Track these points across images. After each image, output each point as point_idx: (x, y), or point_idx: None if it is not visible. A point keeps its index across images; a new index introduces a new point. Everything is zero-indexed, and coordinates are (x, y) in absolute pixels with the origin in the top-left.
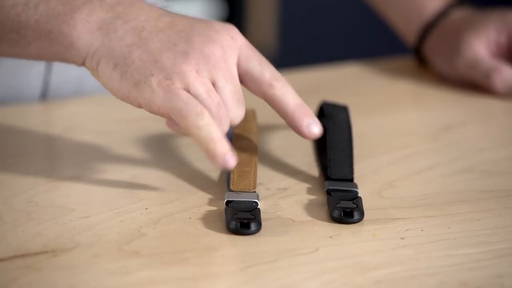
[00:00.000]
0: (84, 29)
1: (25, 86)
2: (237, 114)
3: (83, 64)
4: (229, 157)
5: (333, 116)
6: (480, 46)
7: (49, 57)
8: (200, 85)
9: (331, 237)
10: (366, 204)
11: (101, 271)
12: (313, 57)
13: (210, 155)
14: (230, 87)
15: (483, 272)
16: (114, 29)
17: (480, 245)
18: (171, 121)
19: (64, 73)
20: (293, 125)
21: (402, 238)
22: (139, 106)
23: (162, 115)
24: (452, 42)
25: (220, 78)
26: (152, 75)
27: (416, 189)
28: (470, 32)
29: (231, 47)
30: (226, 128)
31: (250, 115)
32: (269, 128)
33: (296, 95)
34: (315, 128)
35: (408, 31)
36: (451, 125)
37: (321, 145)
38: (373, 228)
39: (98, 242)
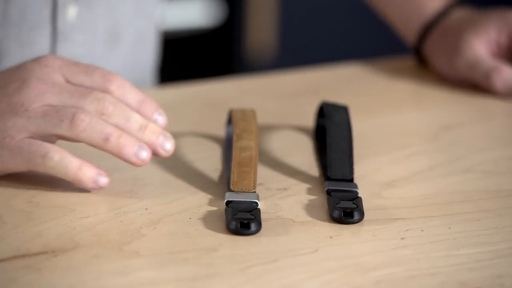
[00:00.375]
0: None
1: None
2: (91, 105)
3: None
4: (97, 178)
5: (333, 116)
6: (481, 46)
7: None
8: (33, 123)
9: (331, 237)
10: (366, 204)
11: (101, 271)
12: (313, 57)
13: (80, 184)
14: (64, 95)
15: (483, 273)
16: None
17: (480, 245)
18: None
19: None
20: None
21: (402, 238)
22: (18, 170)
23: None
24: (452, 42)
25: (50, 99)
26: None
27: (416, 189)
28: (470, 32)
29: (48, 73)
30: (86, 133)
31: (250, 115)
32: (269, 128)
33: (136, 92)
34: (161, 122)
35: (408, 31)
36: (451, 125)
37: (321, 145)
38: (373, 228)
39: (98, 243)
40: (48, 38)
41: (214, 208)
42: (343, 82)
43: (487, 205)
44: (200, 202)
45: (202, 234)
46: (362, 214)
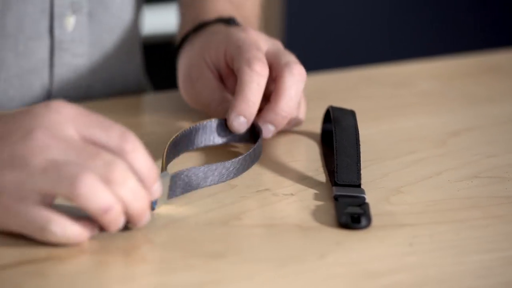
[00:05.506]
0: None
1: (29, 98)
2: (99, 169)
3: None
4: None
5: (340, 121)
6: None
7: None
8: (31, 180)
9: (338, 243)
10: (373, 210)
11: (107, 277)
12: (319, 62)
13: None
14: (71, 153)
15: (492, 280)
16: None
17: (489, 252)
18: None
19: (68, 84)
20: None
21: (410, 245)
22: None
23: None
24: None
25: (55, 155)
26: None
27: (424, 195)
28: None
29: (58, 122)
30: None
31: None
32: (276, 133)
33: (147, 158)
34: (156, 194)
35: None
36: (459, 130)
37: (328, 151)
38: (380, 234)
39: (104, 249)
40: (47, 49)
41: (221, 214)
42: (350, 87)
43: (496, 211)
44: (206, 207)
45: (209, 240)
46: (369, 219)
